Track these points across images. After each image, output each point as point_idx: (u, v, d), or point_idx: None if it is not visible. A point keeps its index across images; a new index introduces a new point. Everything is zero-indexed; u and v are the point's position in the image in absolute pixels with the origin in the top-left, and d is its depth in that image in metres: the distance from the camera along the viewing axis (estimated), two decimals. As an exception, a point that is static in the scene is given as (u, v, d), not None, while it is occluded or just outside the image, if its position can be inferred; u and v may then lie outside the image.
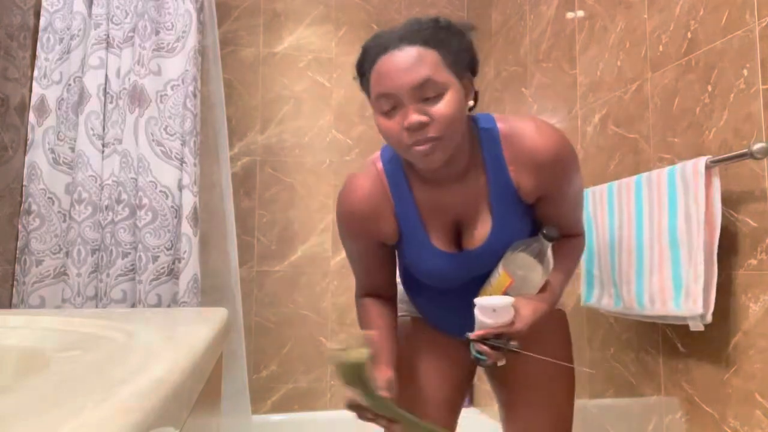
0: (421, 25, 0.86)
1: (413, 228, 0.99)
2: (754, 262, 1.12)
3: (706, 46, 1.26)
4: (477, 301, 0.90)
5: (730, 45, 1.19)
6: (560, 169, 0.94)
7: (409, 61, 0.83)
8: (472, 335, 0.91)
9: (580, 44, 1.75)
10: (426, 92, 0.83)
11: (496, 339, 0.89)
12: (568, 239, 1.05)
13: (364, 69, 0.91)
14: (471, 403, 2.41)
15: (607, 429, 1.57)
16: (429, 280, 1.06)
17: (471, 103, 0.92)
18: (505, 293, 0.94)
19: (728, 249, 1.16)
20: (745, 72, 1.15)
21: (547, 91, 1.94)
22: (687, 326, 1.20)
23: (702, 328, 1.14)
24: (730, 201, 1.17)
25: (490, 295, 0.96)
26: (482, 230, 0.97)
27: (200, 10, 1.65)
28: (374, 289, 1.10)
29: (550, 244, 0.93)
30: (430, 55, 0.84)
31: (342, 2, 2.53)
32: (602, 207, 1.43)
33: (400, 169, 0.99)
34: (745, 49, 1.15)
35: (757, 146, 1.06)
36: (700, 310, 1.11)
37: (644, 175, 1.29)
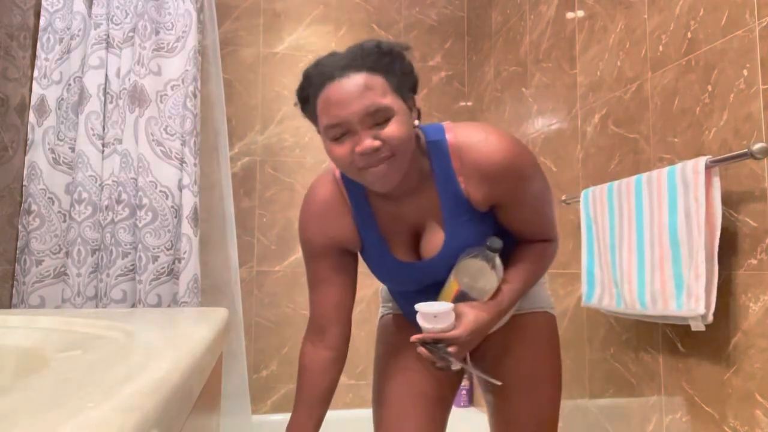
0: (365, 52, 0.87)
1: (372, 237, 1.02)
2: (754, 262, 1.12)
3: (706, 46, 1.26)
4: (418, 306, 0.91)
5: (730, 45, 1.19)
6: (510, 178, 0.93)
7: (357, 89, 0.84)
8: (412, 338, 0.92)
9: (580, 44, 1.75)
10: (376, 118, 0.85)
11: (434, 344, 0.90)
12: (532, 244, 1.03)
13: (307, 95, 0.91)
14: (471, 403, 2.41)
15: (607, 429, 1.57)
16: (392, 286, 1.10)
17: (417, 122, 0.93)
18: (455, 299, 0.95)
19: (728, 249, 1.16)
20: (745, 72, 1.15)
21: (547, 91, 1.94)
22: (687, 326, 1.20)
23: (703, 328, 1.14)
24: (730, 201, 1.17)
25: (442, 300, 0.97)
26: (436, 240, 0.99)
27: (200, 10, 1.65)
28: (324, 319, 1.07)
29: (495, 254, 0.92)
30: (377, 81, 0.86)
31: (342, 2, 2.53)
32: (602, 207, 1.43)
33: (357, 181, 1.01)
34: (745, 49, 1.15)
35: (757, 146, 1.06)
36: (701, 310, 1.11)
37: (644, 175, 1.29)
